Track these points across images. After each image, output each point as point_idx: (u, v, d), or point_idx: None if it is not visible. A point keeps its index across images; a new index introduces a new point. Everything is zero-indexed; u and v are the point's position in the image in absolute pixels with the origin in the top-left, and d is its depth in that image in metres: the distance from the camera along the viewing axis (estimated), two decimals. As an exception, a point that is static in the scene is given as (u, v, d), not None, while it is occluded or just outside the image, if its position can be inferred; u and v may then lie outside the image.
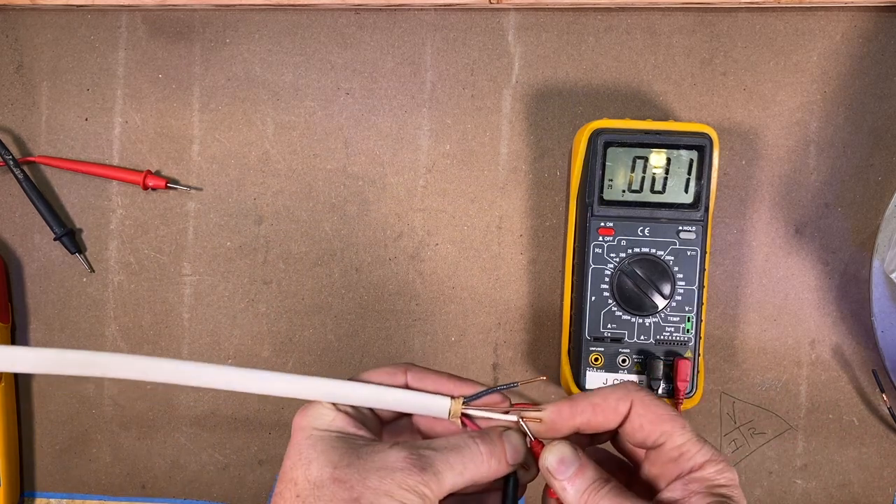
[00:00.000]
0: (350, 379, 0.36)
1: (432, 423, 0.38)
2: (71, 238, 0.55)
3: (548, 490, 0.35)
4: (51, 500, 0.57)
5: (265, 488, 0.56)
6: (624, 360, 0.49)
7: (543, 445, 0.34)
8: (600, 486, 0.32)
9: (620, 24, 0.54)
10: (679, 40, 0.54)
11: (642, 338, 0.49)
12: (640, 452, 0.35)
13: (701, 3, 0.52)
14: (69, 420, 0.57)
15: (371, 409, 0.37)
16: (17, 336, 0.57)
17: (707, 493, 0.31)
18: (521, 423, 0.35)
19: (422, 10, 0.54)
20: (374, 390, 0.36)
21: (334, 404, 0.35)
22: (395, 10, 0.54)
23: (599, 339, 0.49)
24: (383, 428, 0.38)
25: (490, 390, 0.36)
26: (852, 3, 0.52)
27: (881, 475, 0.54)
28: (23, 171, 0.55)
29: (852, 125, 0.53)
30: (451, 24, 0.54)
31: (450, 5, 0.54)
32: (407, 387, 0.37)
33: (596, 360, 0.49)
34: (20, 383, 0.57)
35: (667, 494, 0.32)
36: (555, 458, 0.33)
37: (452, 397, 0.35)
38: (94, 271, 0.56)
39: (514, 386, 0.37)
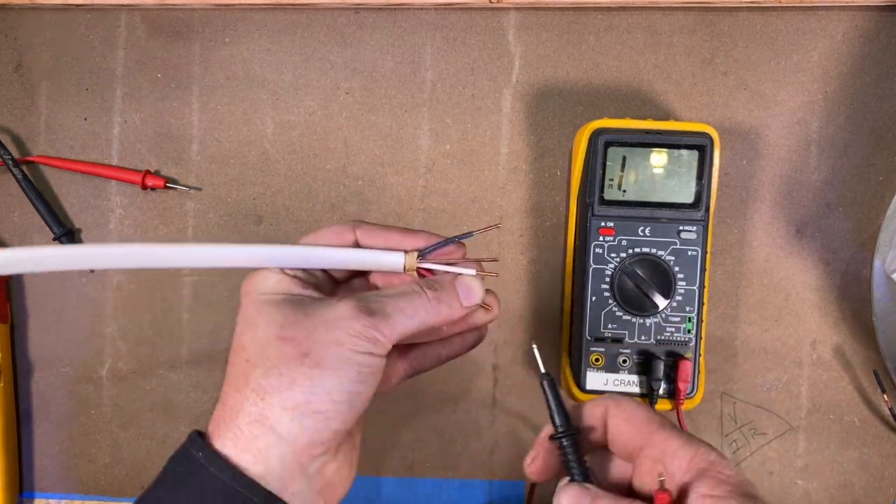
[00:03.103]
0: (297, 244, 0.36)
1: (390, 280, 0.37)
2: (70, 238, 0.55)
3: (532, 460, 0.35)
4: (49, 500, 0.57)
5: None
6: (624, 361, 0.48)
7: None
8: None
9: (621, 23, 0.54)
10: (680, 40, 0.53)
11: (643, 338, 0.48)
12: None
13: (702, 3, 0.52)
14: (68, 420, 0.57)
15: (323, 271, 0.36)
16: (16, 336, 0.56)
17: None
18: (478, 273, 0.35)
19: (422, 9, 0.54)
20: (322, 252, 0.35)
21: (282, 269, 0.35)
22: (395, 9, 0.54)
23: (600, 340, 0.49)
24: (338, 288, 0.37)
25: (445, 241, 0.36)
26: (853, 2, 0.52)
27: (882, 476, 0.54)
28: (22, 170, 0.54)
29: (853, 125, 0.53)
30: (451, 24, 0.54)
31: (450, 5, 0.54)
32: (357, 244, 0.36)
33: (596, 360, 0.49)
34: (20, 383, 0.57)
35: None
36: (566, 500, 0.32)
37: (406, 252, 0.35)
38: (93, 271, 0.56)
39: (469, 236, 0.37)
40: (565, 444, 0.33)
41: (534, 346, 0.36)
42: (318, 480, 0.33)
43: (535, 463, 0.35)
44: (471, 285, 0.35)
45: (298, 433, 0.31)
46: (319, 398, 0.31)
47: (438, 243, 0.36)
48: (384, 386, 0.36)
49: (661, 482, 0.31)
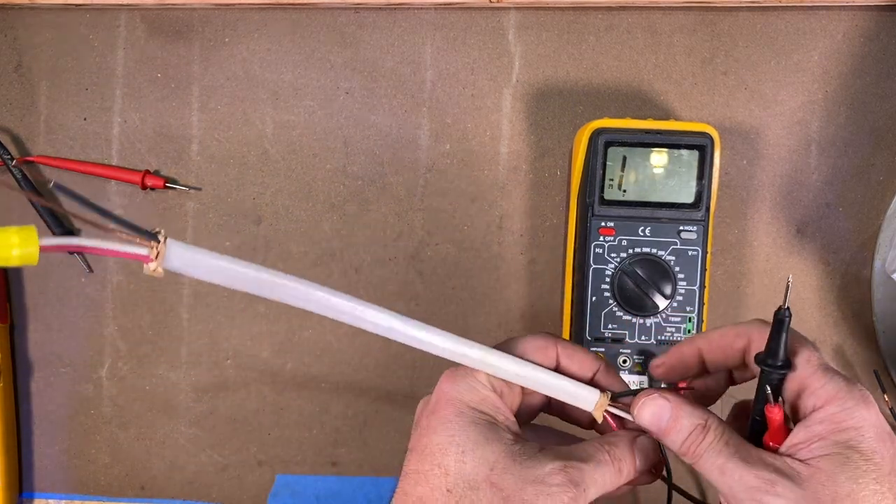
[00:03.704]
0: (508, 352, 0.33)
1: (563, 405, 0.35)
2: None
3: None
4: (49, 500, 0.57)
5: (265, 489, 0.56)
6: (625, 361, 0.48)
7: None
8: (699, 438, 0.30)
9: (621, 23, 0.54)
10: (680, 39, 0.53)
11: (643, 338, 0.48)
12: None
13: (702, 3, 0.52)
14: (68, 420, 0.57)
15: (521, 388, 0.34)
16: (15, 336, 0.56)
17: (829, 440, 0.28)
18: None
19: (421, 8, 0.54)
20: (534, 371, 0.33)
21: (488, 376, 0.32)
22: (395, 8, 0.54)
23: (600, 340, 0.49)
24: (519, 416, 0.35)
25: (640, 390, 0.33)
26: (853, 2, 0.52)
27: (882, 476, 0.53)
28: (21, 170, 0.54)
29: (854, 125, 0.53)
30: (451, 24, 0.54)
31: (450, 4, 0.54)
32: (558, 364, 0.34)
33: (596, 360, 0.49)
34: (19, 383, 0.57)
35: (787, 441, 0.29)
36: (647, 414, 0.32)
37: (602, 391, 0.33)
38: (92, 271, 0.56)
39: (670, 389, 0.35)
40: (773, 376, 0.30)
41: (790, 278, 0.33)
42: None
43: (668, 361, 0.35)
44: (647, 452, 0.33)
45: None
46: None
47: (633, 390, 0.34)
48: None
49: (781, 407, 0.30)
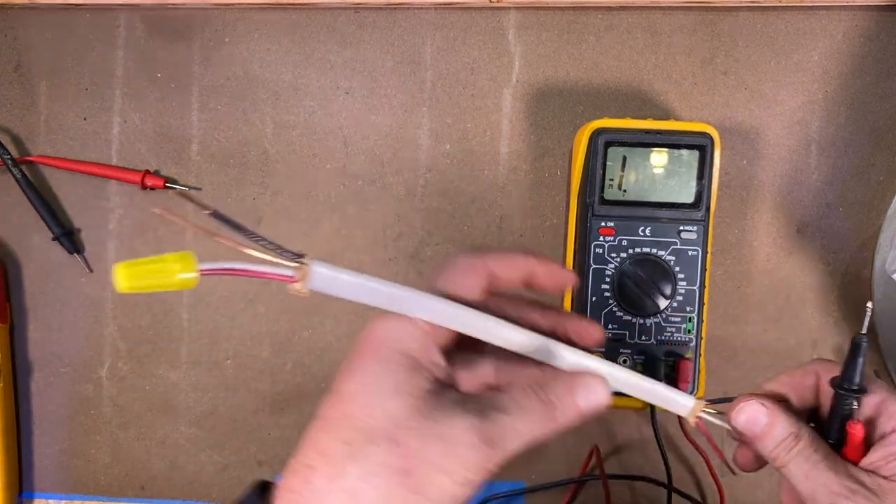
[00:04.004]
0: (440, 287, 0.32)
1: (509, 364, 0.34)
2: (69, 238, 0.55)
3: (738, 447, 0.35)
4: (49, 500, 0.57)
5: (264, 489, 0.56)
6: (625, 361, 0.48)
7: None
8: (791, 445, 0.31)
9: (621, 23, 0.53)
10: (680, 39, 0.53)
11: (643, 338, 0.48)
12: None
13: (702, 3, 0.52)
14: (68, 421, 0.57)
15: (462, 339, 0.32)
16: (15, 336, 0.56)
17: None
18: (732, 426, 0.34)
19: (421, 8, 0.54)
20: (625, 374, 0.33)
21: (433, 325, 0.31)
22: (395, 8, 0.54)
23: (600, 340, 0.48)
24: (462, 358, 0.34)
25: (732, 398, 0.34)
26: (853, 2, 0.52)
27: (883, 476, 0.53)
28: (21, 170, 0.54)
29: (854, 125, 0.53)
30: (451, 23, 0.54)
31: (450, 4, 0.54)
32: (493, 277, 0.32)
33: (596, 360, 0.49)
34: (19, 383, 0.57)
35: (866, 458, 0.31)
36: (743, 417, 0.32)
37: (697, 398, 0.33)
38: (92, 271, 0.56)
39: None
40: (848, 400, 0.32)
41: (869, 305, 0.34)
42: None
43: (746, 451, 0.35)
44: (594, 388, 0.31)
45: None
46: None
47: (727, 398, 0.34)
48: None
49: (854, 411, 0.32)
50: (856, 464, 0.31)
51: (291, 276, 0.29)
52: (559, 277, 0.34)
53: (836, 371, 0.33)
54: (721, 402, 0.34)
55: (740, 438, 0.34)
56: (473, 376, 0.35)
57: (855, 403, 0.32)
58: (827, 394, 0.33)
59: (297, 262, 0.28)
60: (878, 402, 0.32)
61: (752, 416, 0.32)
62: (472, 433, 0.28)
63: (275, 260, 0.29)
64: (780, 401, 0.34)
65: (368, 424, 0.29)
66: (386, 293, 0.30)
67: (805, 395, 0.34)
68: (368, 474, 0.28)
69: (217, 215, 0.29)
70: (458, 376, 0.33)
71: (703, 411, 0.33)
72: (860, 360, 0.32)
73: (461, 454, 0.28)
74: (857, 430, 0.31)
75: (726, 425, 0.33)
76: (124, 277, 0.27)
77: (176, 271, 0.27)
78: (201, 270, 0.27)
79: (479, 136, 0.54)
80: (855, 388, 0.32)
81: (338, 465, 0.29)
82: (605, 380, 0.31)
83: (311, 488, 0.29)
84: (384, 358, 0.30)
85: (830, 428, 0.32)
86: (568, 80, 0.54)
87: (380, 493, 0.28)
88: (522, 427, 0.29)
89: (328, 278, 0.29)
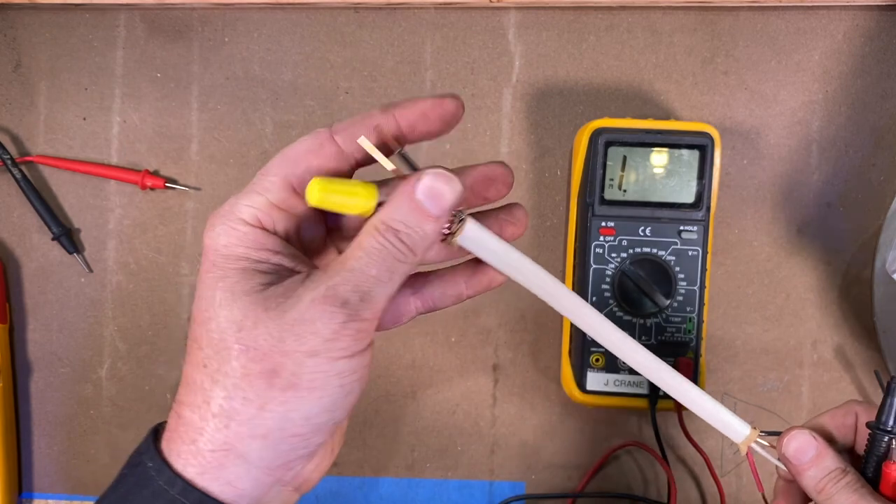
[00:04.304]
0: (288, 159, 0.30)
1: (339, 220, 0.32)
2: (69, 238, 0.55)
3: (779, 474, 0.36)
4: (49, 500, 0.57)
5: (264, 489, 0.56)
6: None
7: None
8: (838, 477, 0.32)
9: (621, 22, 0.53)
10: (680, 39, 0.53)
11: (644, 338, 0.48)
12: None
13: (702, 2, 0.52)
14: (67, 421, 0.57)
15: (309, 217, 0.31)
16: (14, 336, 0.56)
17: None
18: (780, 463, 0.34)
19: (421, 8, 0.54)
20: (688, 388, 0.33)
21: (252, 207, 0.29)
22: (395, 8, 0.54)
23: (600, 340, 0.48)
24: (308, 232, 0.32)
25: (780, 433, 0.35)
26: (854, 2, 0.52)
27: (883, 476, 0.53)
28: (20, 170, 0.54)
29: (854, 124, 0.53)
30: (451, 23, 0.54)
31: (450, 4, 0.54)
32: (341, 151, 0.30)
33: (597, 360, 0.49)
34: (19, 384, 0.57)
35: None
36: (793, 445, 0.33)
37: (753, 427, 0.34)
38: (92, 271, 0.56)
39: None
40: (884, 440, 0.34)
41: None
42: (294, 482, 0.30)
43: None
44: (432, 186, 0.28)
45: (273, 458, 0.27)
46: (296, 424, 0.27)
47: (776, 432, 0.34)
48: (393, 323, 0.32)
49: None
50: (893, 501, 0.32)
51: (448, 228, 0.29)
52: (444, 105, 0.31)
53: (873, 412, 0.34)
54: (772, 434, 0.35)
55: (785, 475, 0.35)
56: (329, 252, 0.33)
57: (894, 443, 0.33)
58: (863, 433, 0.34)
59: (455, 218, 0.29)
60: None
61: (803, 445, 0.33)
62: (321, 302, 0.26)
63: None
64: (826, 437, 0.35)
65: (214, 339, 0.27)
66: (529, 272, 0.31)
67: (845, 434, 0.35)
68: (234, 390, 0.26)
69: (403, 155, 0.30)
70: (317, 258, 0.32)
71: (757, 441, 0.34)
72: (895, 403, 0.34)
73: (320, 328, 0.26)
74: (892, 470, 0.33)
75: (774, 459, 0.34)
76: (317, 191, 0.28)
77: (361, 197, 0.28)
78: (380, 203, 0.29)
79: (479, 135, 0.54)
80: (890, 429, 0.33)
81: (202, 392, 0.27)
82: (447, 174, 0.28)
83: (184, 423, 0.28)
84: (213, 267, 0.28)
85: (866, 466, 0.34)
86: (568, 80, 0.54)
87: (251, 406, 0.26)
88: (374, 270, 0.27)
89: (475, 240, 0.30)
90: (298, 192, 0.29)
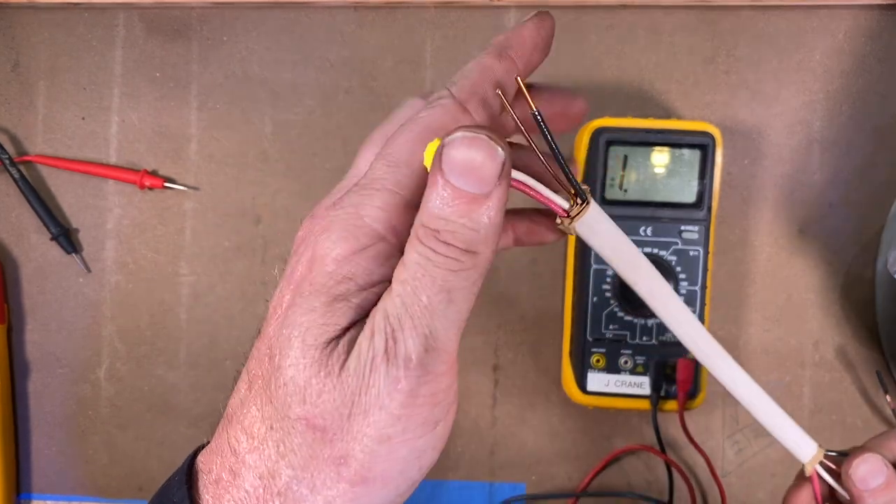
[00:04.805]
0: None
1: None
2: (67, 238, 0.55)
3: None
4: (47, 501, 0.57)
5: (263, 490, 0.56)
6: (626, 362, 0.48)
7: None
8: None
9: (622, 22, 0.53)
10: (681, 38, 0.53)
11: (644, 339, 0.48)
12: None
13: (703, 2, 0.52)
14: (66, 421, 0.56)
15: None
16: (13, 337, 0.56)
17: None
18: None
19: (421, 7, 0.54)
20: (764, 399, 0.30)
21: (379, 205, 0.22)
22: (395, 7, 0.54)
23: (601, 341, 0.48)
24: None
25: (847, 453, 0.33)
26: (855, 1, 0.52)
27: (885, 477, 0.53)
28: (19, 170, 0.54)
29: (856, 124, 0.53)
30: (451, 22, 0.54)
31: (450, 3, 0.53)
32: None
33: (598, 361, 0.48)
34: (17, 384, 0.57)
35: None
36: (863, 469, 0.31)
37: (819, 447, 0.32)
38: (90, 271, 0.56)
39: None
40: None
41: None
42: None
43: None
44: (463, 159, 0.21)
45: None
46: None
47: (846, 451, 0.33)
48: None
49: None
50: None
51: (566, 210, 0.26)
52: (545, 26, 0.26)
53: None
54: (843, 455, 0.33)
55: (843, 499, 0.33)
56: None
57: None
58: None
59: (576, 200, 0.26)
60: None
61: (874, 469, 0.31)
62: (377, 362, 0.21)
63: (559, 189, 0.26)
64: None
65: (279, 401, 0.22)
66: (640, 269, 0.28)
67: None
68: (303, 472, 0.22)
69: (538, 118, 0.24)
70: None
71: (822, 462, 0.32)
72: None
73: (385, 402, 0.21)
74: None
75: (835, 484, 0.33)
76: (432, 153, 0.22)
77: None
78: None
79: (479, 135, 0.54)
80: None
81: (267, 461, 0.22)
82: (476, 134, 0.21)
83: (240, 487, 0.23)
84: (311, 290, 0.22)
85: None
86: (569, 79, 0.54)
87: (321, 497, 0.22)
88: (424, 297, 0.21)
89: (596, 229, 0.26)
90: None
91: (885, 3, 0.52)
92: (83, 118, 0.56)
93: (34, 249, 0.56)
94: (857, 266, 0.53)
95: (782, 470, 0.54)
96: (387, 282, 0.22)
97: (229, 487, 0.23)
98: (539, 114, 0.24)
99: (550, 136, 0.24)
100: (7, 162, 0.54)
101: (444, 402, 0.22)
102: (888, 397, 0.52)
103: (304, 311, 0.22)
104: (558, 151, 0.24)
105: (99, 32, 0.55)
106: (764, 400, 0.31)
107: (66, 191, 0.56)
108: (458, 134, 0.21)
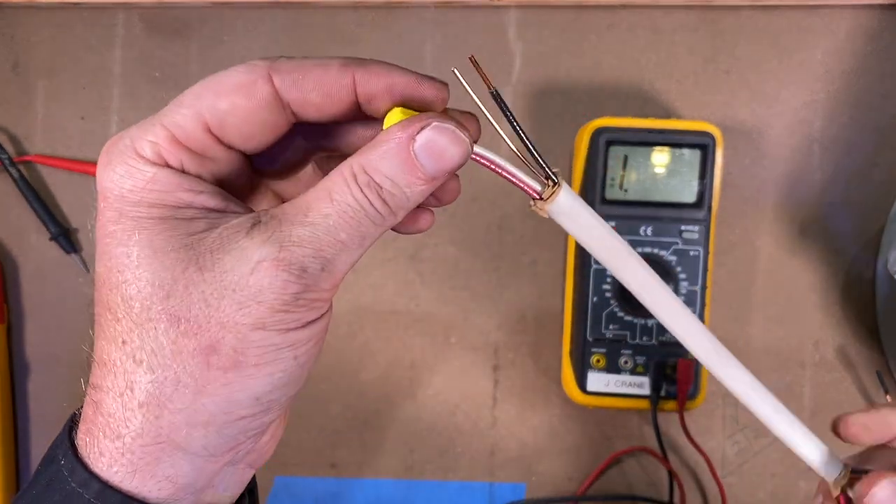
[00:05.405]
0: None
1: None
2: (67, 238, 0.55)
3: None
4: (47, 502, 0.57)
5: (263, 491, 0.56)
6: (626, 362, 0.48)
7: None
8: None
9: (622, 21, 0.53)
10: (682, 38, 0.53)
11: (644, 339, 0.48)
12: None
13: (704, 1, 0.52)
14: (65, 421, 0.56)
15: (236, 153, 0.25)
16: (12, 337, 0.56)
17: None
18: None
19: (421, 7, 0.54)
20: (784, 415, 0.30)
21: (152, 141, 0.24)
22: (395, 7, 0.54)
23: (601, 341, 0.48)
24: (238, 171, 0.26)
25: (865, 471, 0.32)
26: (856, 1, 0.52)
27: (886, 477, 0.53)
28: (18, 170, 0.54)
29: (856, 124, 0.53)
30: (452, 22, 0.54)
31: (450, 3, 0.53)
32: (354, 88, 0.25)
33: (598, 361, 0.48)
34: (17, 384, 0.57)
35: None
36: (881, 496, 0.29)
37: (845, 465, 0.31)
38: (90, 271, 0.56)
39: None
40: None
41: None
42: (246, 459, 0.26)
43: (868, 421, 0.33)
44: (437, 141, 0.24)
45: (218, 445, 0.23)
46: (243, 406, 0.23)
47: (860, 470, 0.31)
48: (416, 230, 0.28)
49: None
50: None
51: (538, 192, 0.26)
52: (421, 89, 0.27)
53: None
54: (865, 472, 0.33)
55: None
56: (268, 188, 0.27)
57: None
58: None
59: (549, 180, 0.26)
60: None
61: (891, 497, 0.30)
62: (274, 267, 0.21)
63: (531, 169, 0.26)
64: None
65: (134, 309, 0.22)
66: (618, 252, 0.27)
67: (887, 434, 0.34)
68: (164, 372, 0.22)
69: (496, 97, 0.26)
70: (248, 196, 0.26)
71: (846, 479, 0.31)
72: None
73: (269, 298, 0.21)
74: None
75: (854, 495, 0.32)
76: (395, 119, 0.25)
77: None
78: (474, 155, 0.26)
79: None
80: None
81: (123, 375, 0.22)
82: (456, 130, 0.25)
83: (104, 413, 0.23)
84: (120, 217, 0.23)
85: None
86: (569, 79, 0.54)
87: (189, 389, 0.22)
88: (343, 234, 0.22)
89: (568, 207, 0.26)
90: (214, 133, 0.24)
91: (885, 2, 0.52)
92: (83, 118, 0.55)
93: (34, 249, 0.56)
94: (857, 266, 0.53)
95: (782, 470, 0.53)
96: (192, 205, 0.23)
97: (96, 420, 0.23)
98: (498, 93, 0.26)
99: (512, 117, 0.26)
100: (7, 162, 0.54)
101: (322, 307, 0.23)
102: (888, 397, 0.52)
103: (133, 229, 0.22)
104: (522, 132, 0.26)
105: (98, 32, 0.55)
106: (786, 414, 0.30)
107: (66, 191, 0.56)
108: (450, 125, 0.24)
